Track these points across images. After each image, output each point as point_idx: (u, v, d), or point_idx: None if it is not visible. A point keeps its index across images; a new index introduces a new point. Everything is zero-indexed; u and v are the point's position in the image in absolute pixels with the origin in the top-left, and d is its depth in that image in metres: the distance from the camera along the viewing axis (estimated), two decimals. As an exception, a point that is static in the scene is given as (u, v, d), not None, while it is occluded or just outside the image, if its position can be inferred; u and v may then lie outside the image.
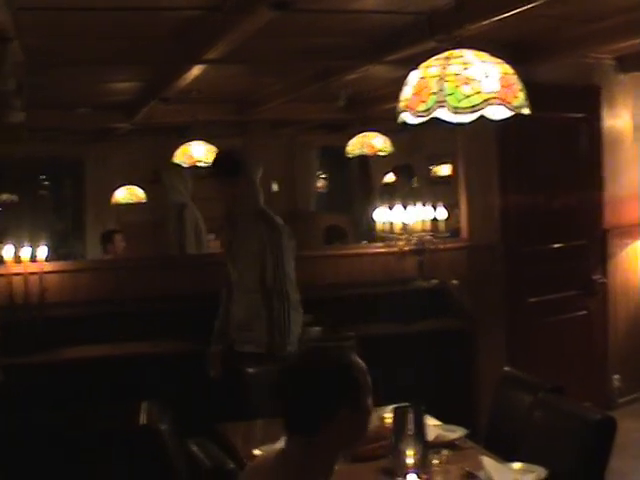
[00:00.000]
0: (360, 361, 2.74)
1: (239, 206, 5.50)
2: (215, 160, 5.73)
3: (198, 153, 8.79)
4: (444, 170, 11.75)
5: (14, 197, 14.41)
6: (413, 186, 10.01)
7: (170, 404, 4.20)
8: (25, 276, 6.39)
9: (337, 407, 2.62)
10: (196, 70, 6.99)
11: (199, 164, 8.82)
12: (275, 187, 12.60)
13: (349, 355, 2.75)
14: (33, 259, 6.46)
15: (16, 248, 6.45)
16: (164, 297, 6.68)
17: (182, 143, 8.99)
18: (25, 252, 6.45)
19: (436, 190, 10.24)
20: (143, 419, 3.91)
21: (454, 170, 8.63)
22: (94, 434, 5.63)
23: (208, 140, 8.93)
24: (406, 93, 3.75)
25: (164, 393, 4.51)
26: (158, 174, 11.24)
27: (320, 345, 2.89)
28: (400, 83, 3.90)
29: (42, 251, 6.47)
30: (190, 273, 6.96)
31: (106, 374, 6.04)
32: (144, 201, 11.73)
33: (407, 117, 3.73)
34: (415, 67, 3.80)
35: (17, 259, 6.45)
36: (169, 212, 11.18)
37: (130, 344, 6.33)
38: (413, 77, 3.76)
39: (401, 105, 3.77)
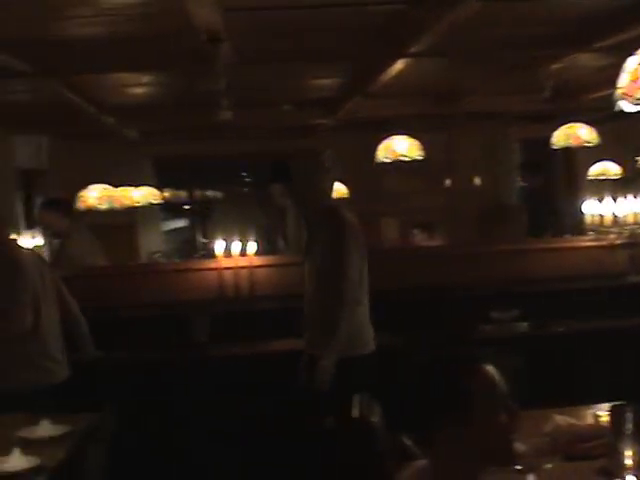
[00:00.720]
0: (490, 372, 2.60)
1: (304, 209, 5.52)
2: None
3: (401, 148, 8.78)
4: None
5: (219, 194, 14.81)
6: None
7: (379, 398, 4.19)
8: (235, 270, 6.55)
9: (449, 420, 2.51)
10: (399, 64, 6.97)
11: (402, 159, 8.82)
12: (477, 181, 12.47)
13: (470, 366, 2.60)
14: (242, 253, 6.61)
15: (227, 243, 6.63)
16: (379, 291, 6.70)
17: (385, 138, 9.00)
18: (235, 247, 6.61)
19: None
20: (356, 412, 3.91)
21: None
22: (307, 426, 5.69)
23: (410, 134, 8.91)
24: (623, 80, 3.63)
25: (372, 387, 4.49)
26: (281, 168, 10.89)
27: (448, 353, 2.70)
28: (608, 71, 3.78)
29: (251, 246, 6.61)
30: (390, 267, 6.98)
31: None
32: (346, 196, 11.78)
33: (625, 105, 3.61)
34: (632, 53, 3.67)
35: (227, 254, 6.63)
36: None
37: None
38: (631, 63, 3.62)
39: (618, 92, 3.64)
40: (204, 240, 13.37)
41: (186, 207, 14.45)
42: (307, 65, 7.56)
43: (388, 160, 9.07)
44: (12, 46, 5.76)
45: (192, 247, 13.61)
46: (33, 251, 6.39)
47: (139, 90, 8.60)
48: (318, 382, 5.06)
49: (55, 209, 8.16)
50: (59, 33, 5.71)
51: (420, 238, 9.77)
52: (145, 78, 7.91)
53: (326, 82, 8.79)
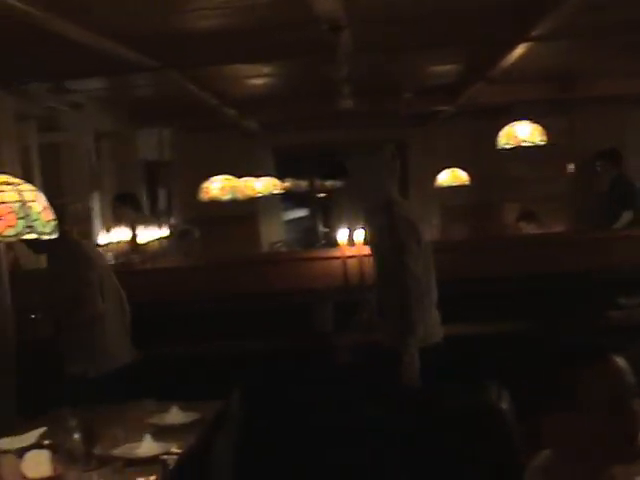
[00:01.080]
0: (616, 362, 2.48)
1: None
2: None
3: (523, 133, 8.65)
4: None
5: (338, 183, 14.83)
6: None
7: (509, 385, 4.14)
8: (359, 258, 6.57)
9: (571, 412, 2.43)
10: (521, 48, 6.88)
11: (524, 144, 8.69)
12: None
13: (596, 355, 2.48)
14: (365, 242, 6.63)
15: (349, 232, 6.65)
16: (505, 278, 6.67)
17: (506, 124, 8.89)
18: (358, 235, 6.63)
19: None
20: (487, 398, 3.89)
21: None
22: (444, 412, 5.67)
23: (533, 120, 8.78)
24: None
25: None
26: (339, 166, 10.10)
27: (574, 341, 2.58)
28: None
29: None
30: (514, 254, 6.91)
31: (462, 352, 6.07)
32: (467, 184, 11.70)
33: None
34: None
35: (350, 242, 6.65)
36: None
37: (482, 324, 6.35)
38: None
39: None
40: (325, 229, 13.43)
41: (307, 197, 14.52)
42: (427, 51, 7.52)
43: (510, 146, 8.93)
44: (136, 41, 5.87)
45: (313, 236, 13.68)
46: (94, 244, 6.74)
47: (259, 81, 8.68)
48: (406, 378, 5.12)
49: (125, 203, 8.42)
50: (181, 26, 5.79)
51: (529, 229, 9.66)
52: (266, 69, 7.98)
53: (446, 68, 8.74)
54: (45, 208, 3.75)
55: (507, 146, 8.91)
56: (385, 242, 5.30)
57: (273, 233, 13.07)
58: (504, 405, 3.81)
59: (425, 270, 5.28)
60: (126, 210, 8.30)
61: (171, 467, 3.84)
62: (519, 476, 2.68)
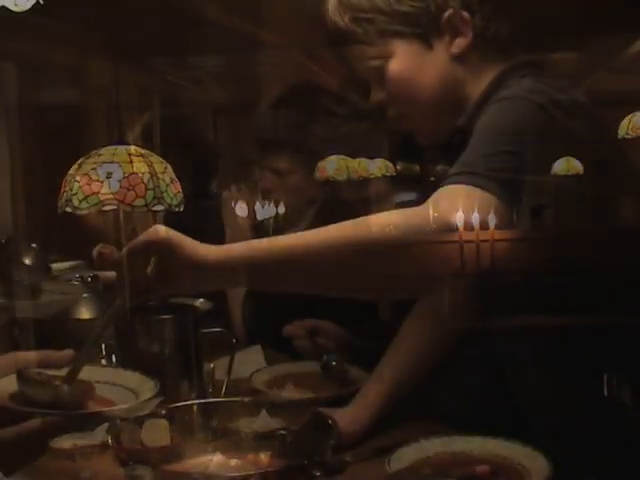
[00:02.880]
0: None
1: None
2: None
3: (644, 124, 8.50)
4: None
5: (448, 167, 14.72)
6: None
7: None
8: (477, 244, 6.52)
9: None
10: (648, 37, 6.74)
11: (645, 135, 8.55)
12: None
13: None
14: (483, 227, 6.58)
15: (465, 216, 6.61)
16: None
17: (627, 114, 8.75)
18: (475, 220, 6.59)
19: None
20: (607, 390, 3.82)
21: None
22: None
23: (655, 110, 8.62)
24: None
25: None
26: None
27: None
28: None
29: (491, 219, 6.57)
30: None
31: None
32: (581, 173, 11.52)
33: None
34: None
35: (468, 226, 6.61)
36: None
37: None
38: None
39: None
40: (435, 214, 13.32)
41: (417, 180, 14.44)
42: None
43: (630, 137, 8.77)
44: (267, 21, 5.89)
45: (422, 221, 13.60)
46: None
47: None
48: None
49: None
50: (314, 7, 5.79)
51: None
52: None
53: (566, 55, 8.61)
54: (173, 180, 3.79)
55: (627, 136, 8.75)
56: None
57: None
58: (626, 398, 3.72)
59: None
60: None
61: (288, 443, 3.86)
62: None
